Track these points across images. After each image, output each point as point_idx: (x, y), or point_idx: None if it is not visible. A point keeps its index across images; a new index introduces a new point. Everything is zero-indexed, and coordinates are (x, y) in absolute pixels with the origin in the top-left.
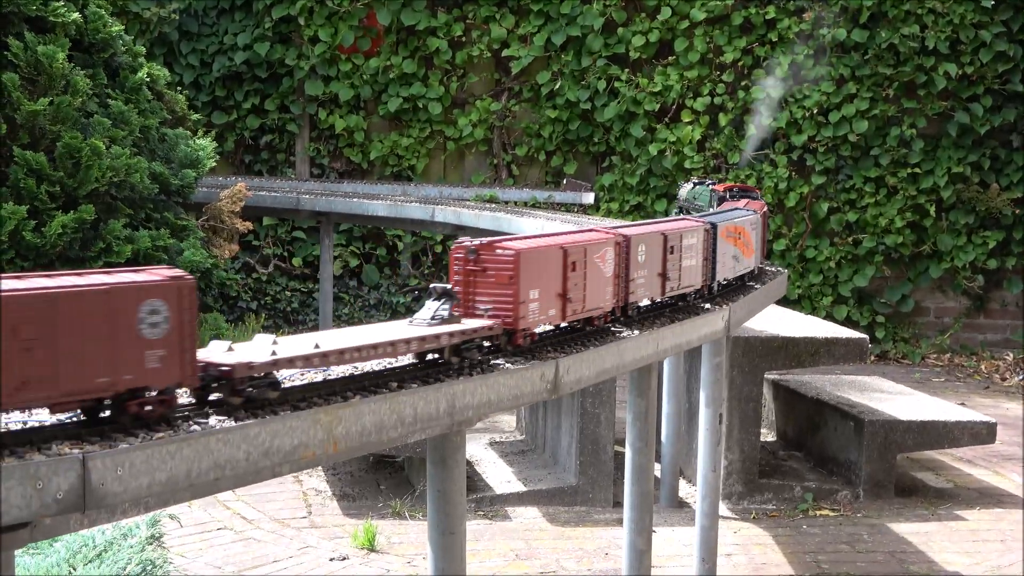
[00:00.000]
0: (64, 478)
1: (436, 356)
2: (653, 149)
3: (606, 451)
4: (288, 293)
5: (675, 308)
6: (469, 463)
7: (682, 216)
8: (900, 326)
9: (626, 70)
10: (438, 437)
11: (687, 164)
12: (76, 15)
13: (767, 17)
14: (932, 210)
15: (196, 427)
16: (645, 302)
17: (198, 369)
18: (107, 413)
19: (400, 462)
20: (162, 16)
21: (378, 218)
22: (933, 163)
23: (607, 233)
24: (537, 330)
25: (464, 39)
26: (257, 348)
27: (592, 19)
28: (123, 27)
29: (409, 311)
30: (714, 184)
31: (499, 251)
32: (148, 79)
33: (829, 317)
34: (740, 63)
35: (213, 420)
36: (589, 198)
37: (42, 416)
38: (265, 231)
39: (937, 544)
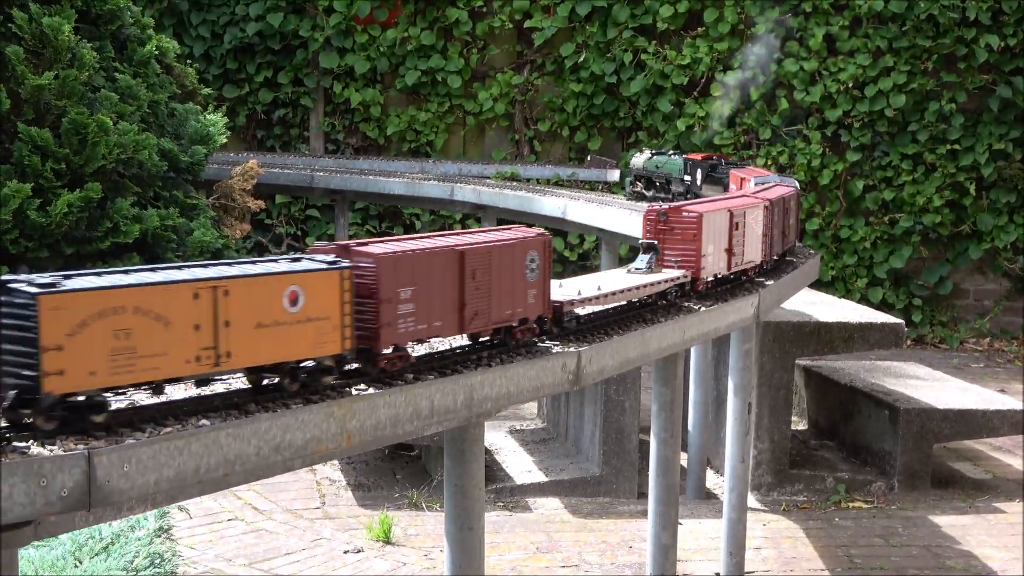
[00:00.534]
0: (69, 475)
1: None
2: (681, 124)
3: (631, 440)
4: None
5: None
6: (488, 452)
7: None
8: (938, 309)
9: (653, 42)
10: (456, 430)
11: (716, 140)
12: None
13: None
14: (972, 188)
15: (548, 343)
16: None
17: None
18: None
19: (417, 451)
20: None
21: (395, 196)
22: (973, 139)
23: (756, 199)
24: (708, 279)
25: (485, 9)
26: (570, 290)
27: None
28: None
29: None
30: (675, 154)
31: (685, 213)
32: (157, 52)
33: (864, 300)
34: (773, 34)
35: (547, 342)
36: (614, 175)
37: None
38: (278, 210)
39: (975, 538)
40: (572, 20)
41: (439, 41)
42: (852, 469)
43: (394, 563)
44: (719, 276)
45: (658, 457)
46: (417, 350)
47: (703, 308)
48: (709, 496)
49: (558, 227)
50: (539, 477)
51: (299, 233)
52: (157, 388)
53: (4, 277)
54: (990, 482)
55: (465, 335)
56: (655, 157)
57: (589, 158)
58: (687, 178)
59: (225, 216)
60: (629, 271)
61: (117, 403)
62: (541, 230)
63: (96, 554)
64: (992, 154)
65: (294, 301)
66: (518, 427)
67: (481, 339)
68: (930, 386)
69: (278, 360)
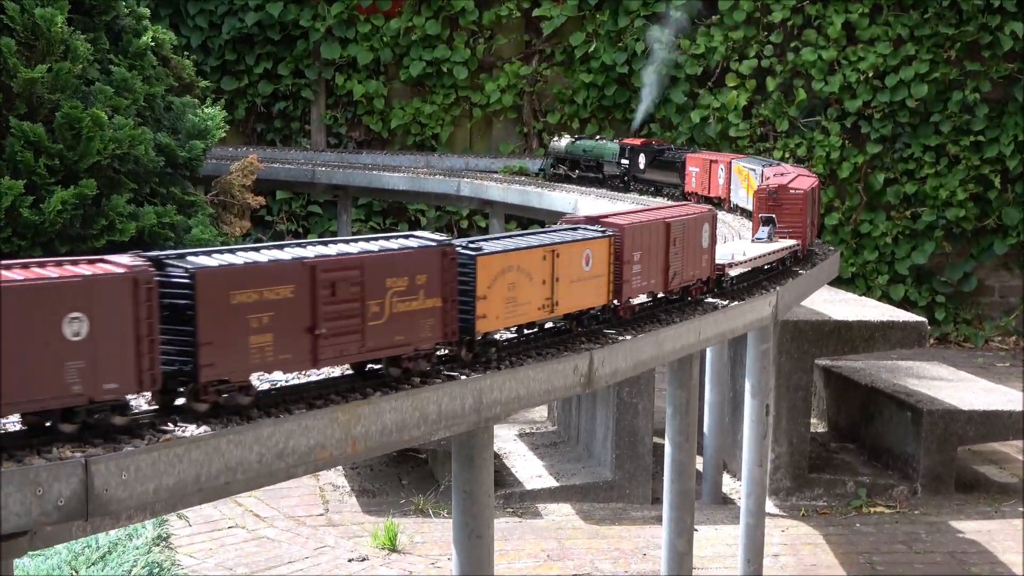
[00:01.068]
0: (66, 484)
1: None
2: (695, 116)
3: (644, 444)
4: None
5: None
6: (497, 457)
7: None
8: (962, 307)
9: (667, 31)
10: (464, 434)
11: (732, 132)
12: None
13: None
14: (997, 181)
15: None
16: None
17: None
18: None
19: (423, 455)
20: None
21: (399, 192)
22: (998, 130)
23: (803, 181)
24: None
25: None
26: (725, 256)
27: None
28: None
29: None
30: (600, 138)
31: (792, 191)
32: (153, 43)
33: (885, 297)
34: (790, 23)
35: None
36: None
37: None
38: (278, 206)
39: (1001, 544)
40: (582, 8)
41: (444, 31)
42: (873, 473)
43: (400, 571)
44: (807, 247)
45: (673, 461)
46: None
47: (719, 307)
48: (726, 501)
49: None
50: (550, 482)
51: (300, 230)
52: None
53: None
54: (1016, 486)
55: (663, 292)
56: (580, 141)
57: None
58: (624, 162)
59: (224, 213)
60: (753, 241)
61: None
62: (709, 207)
63: (93, 563)
64: (1017, 145)
65: (587, 261)
66: (528, 430)
67: (670, 296)
68: (954, 386)
69: (579, 308)
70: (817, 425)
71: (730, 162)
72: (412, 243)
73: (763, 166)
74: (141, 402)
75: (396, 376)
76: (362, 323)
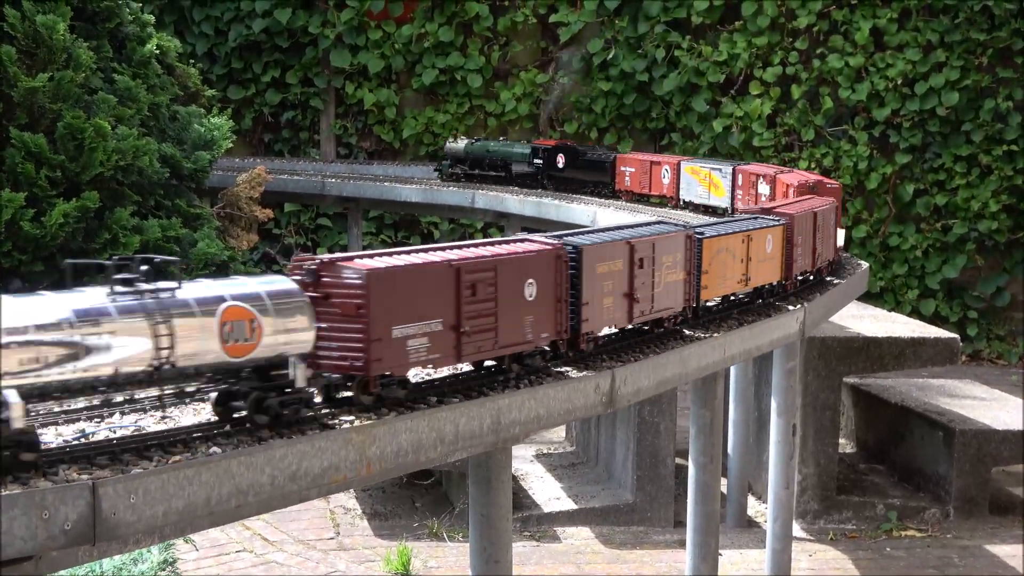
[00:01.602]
0: (72, 507)
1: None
2: (718, 125)
3: (666, 465)
4: None
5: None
6: (514, 478)
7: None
8: (995, 322)
9: (687, 37)
10: (481, 456)
11: (756, 142)
12: None
13: None
14: None
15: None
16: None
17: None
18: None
19: (437, 477)
20: None
21: (412, 204)
22: None
23: (826, 201)
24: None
25: (507, 3)
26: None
27: None
28: None
29: None
30: (504, 139)
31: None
32: (157, 51)
33: (915, 313)
34: (815, 28)
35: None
36: None
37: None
38: (287, 218)
39: None
40: (600, 14)
41: (458, 37)
42: (904, 495)
43: None
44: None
45: (697, 483)
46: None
47: (745, 324)
48: (751, 524)
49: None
50: (568, 504)
51: (309, 244)
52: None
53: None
54: None
55: (811, 271)
56: (482, 142)
57: None
58: (538, 161)
59: (231, 226)
60: None
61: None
62: (832, 199)
63: None
64: None
65: (769, 244)
66: (545, 451)
67: (813, 274)
68: (988, 405)
69: (763, 283)
70: (845, 445)
71: (678, 163)
72: (667, 227)
73: (732, 166)
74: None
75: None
76: (649, 289)
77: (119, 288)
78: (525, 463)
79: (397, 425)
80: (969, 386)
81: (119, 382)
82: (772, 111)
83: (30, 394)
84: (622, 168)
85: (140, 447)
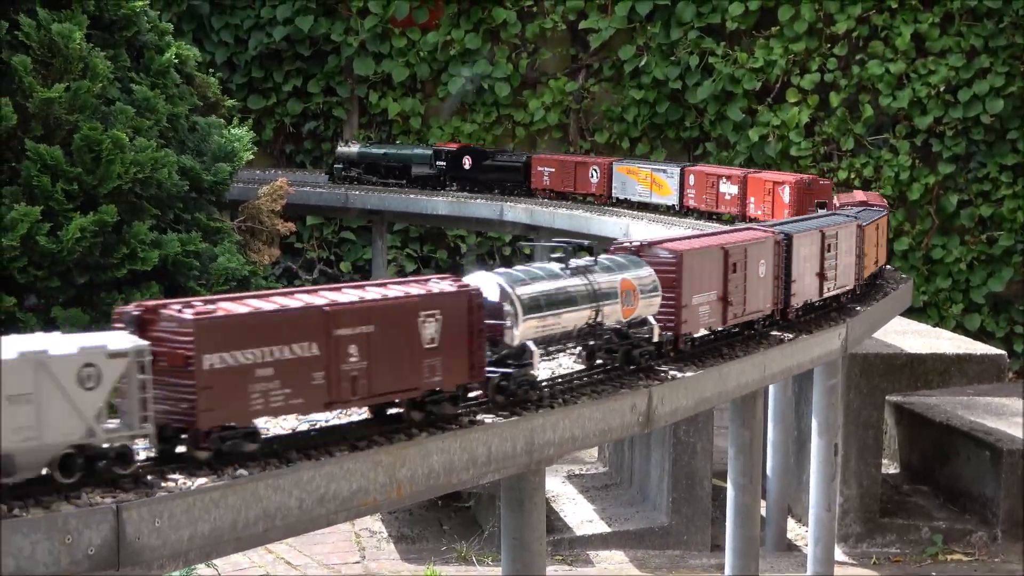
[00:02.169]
0: (96, 531)
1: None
2: (754, 134)
3: (703, 486)
4: None
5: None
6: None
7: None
8: None
9: (722, 43)
10: (514, 477)
11: (793, 151)
12: None
13: None
14: None
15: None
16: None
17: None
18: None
19: (466, 498)
20: None
21: (438, 217)
22: None
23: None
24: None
25: (535, 9)
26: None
27: None
28: (147, 1)
29: None
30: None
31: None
32: (176, 60)
33: (959, 328)
34: (855, 33)
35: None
36: None
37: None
38: (309, 232)
39: None
40: (632, 20)
41: (485, 45)
42: (950, 517)
43: None
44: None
45: (736, 505)
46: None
47: (786, 340)
48: (791, 548)
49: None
50: (601, 527)
51: (332, 258)
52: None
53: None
54: None
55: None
56: (375, 145)
57: None
58: (441, 163)
59: (252, 240)
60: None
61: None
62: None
63: None
64: None
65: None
66: (577, 472)
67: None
68: None
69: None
70: (888, 466)
71: (610, 163)
72: (757, 234)
73: (680, 167)
74: None
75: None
76: (834, 269)
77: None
78: (556, 484)
79: (428, 446)
80: (1017, 404)
81: (572, 336)
82: (810, 119)
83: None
84: (539, 168)
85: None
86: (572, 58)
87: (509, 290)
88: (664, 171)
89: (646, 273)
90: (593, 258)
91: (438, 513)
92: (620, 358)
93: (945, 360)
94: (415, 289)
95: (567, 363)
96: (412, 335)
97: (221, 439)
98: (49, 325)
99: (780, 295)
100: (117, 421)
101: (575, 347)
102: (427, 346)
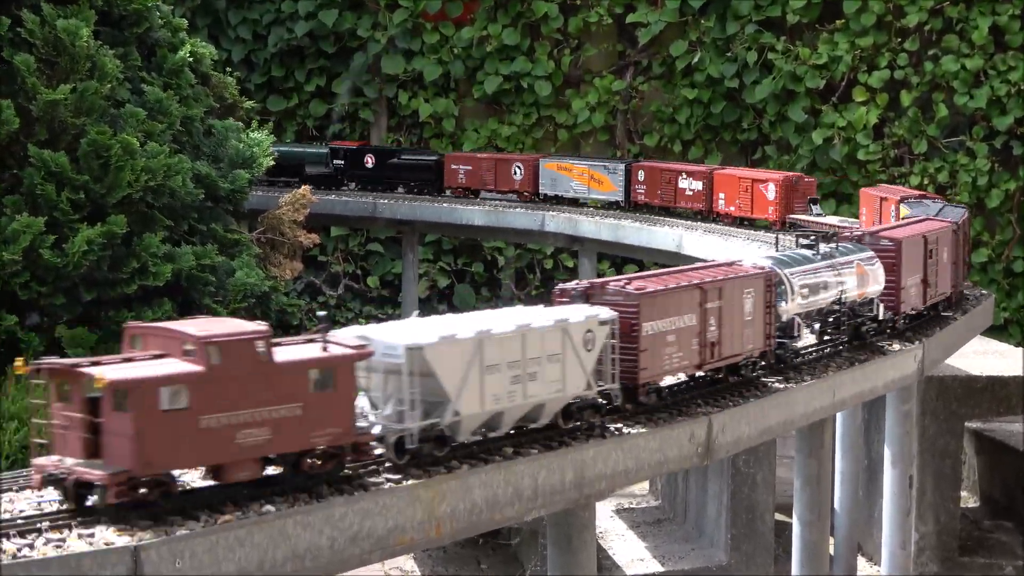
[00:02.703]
0: (112, 572)
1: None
2: (818, 137)
3: (764, 520)
4: (362, 321)
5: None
6: None
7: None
8: None
9: (783, 38)
10: (561, 513)
11: (861, 155)
12: None
13: None
14: None
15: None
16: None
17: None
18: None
19: (507, 535)
20: None
21: (474, 227)
22: None
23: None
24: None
25: (579, 2)
26: None
27: None
28: None
29: None
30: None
31: None
32: (191, 59)
33: None
34: (927, 27)
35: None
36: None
37: None
38: (333, 244)
39: None
40: (684, 13)
41: (524, 40)
42: None
43: None
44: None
45: (802, 541)
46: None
47: (856, 363)
48: None
49: (669, 261)
50: (653, 566)
51: (359, 272)
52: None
53: None
54: None
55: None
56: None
57: None
58: (338, 162)
59: (272, 253)
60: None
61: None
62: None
63: None
64: None
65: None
66: (627, 505)
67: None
68: None
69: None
70: (968, 499)
71: (536, 161)
72: (939, 224)
73: (625, 163)
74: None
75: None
76: (935, 276)
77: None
78: (604, 519)
79: (470, 480)
80: None
81: (822, 313)
82: (879, 120)
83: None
84: (453, 166)
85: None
86: (619, 54)
87: (782, 272)
88: (605, 167)
89: (872, 258)
90: (834, 244)
91: (476, 551)
92: (848, 333)
93: None
94: (733, 271)
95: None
96: (740, 309)
97: (657, 392)
98: (52, 345)
99: (958, 279)
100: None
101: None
102: (746, 318)
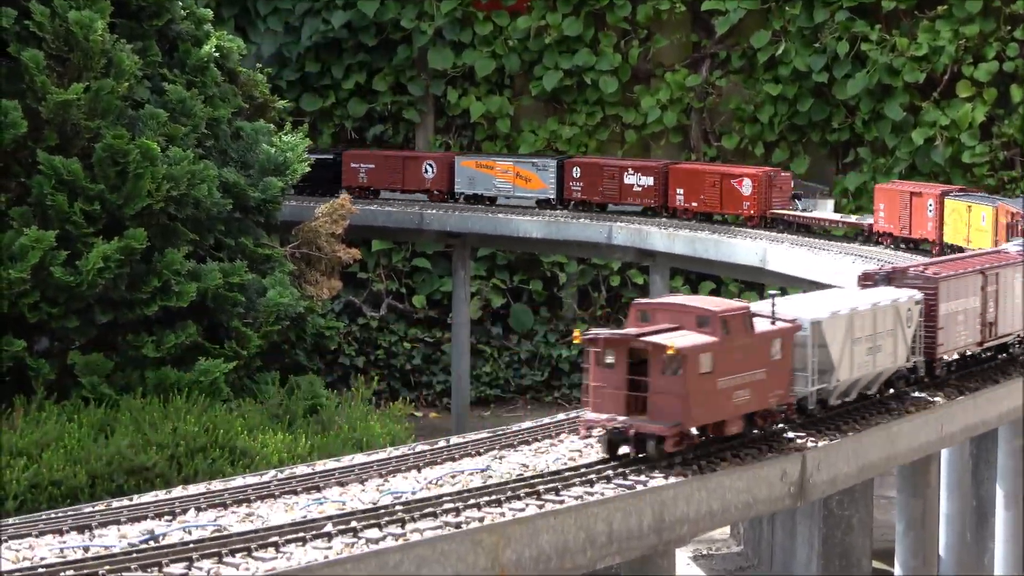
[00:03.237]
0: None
1: None
2: (918, 137)
3: (861, 567)
4: (407, 345)
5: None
6: None
7: None
8: None
9: (877, 26)
10: (638, 560)
11: (966, 157)
12: None
13: None
14: None
15: None
16: None
17: None
18: None
19: None
20: None
21: (532, 240)
22: None
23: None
24: None
25: None
26: None
27: None
28: None
29: (577, 368)
30: None
31: None
32: (216, 54)
33: None
34: None
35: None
36: (827, 207)
37: None
38: (375, 260)
39: None
40: (766, 0)
41: (588, 31)
42: None
43: None
44: None
45: None
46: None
47: (964, 395)
48: None
49: (751, 278)
50: None
51: (403, 291)
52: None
53: None
54: None
55: None
56: None
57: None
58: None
59: (308, 270)
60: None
61: None
62: None
63: None
64: None
65: None
66: (705, 552)
67: None
68: None
69: None
70: None
71: (451, 160)
72: None
73: (557, 160)
74: None
75: None
76: None
77: None
78: (680, 566)
79: (537, 523)
80: None
81: None
82: (986, 118)
83: None
84: (353, 164)
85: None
86: (694, 46)
87: None
88: (533, 163)
89: None
90: None
91: None
92: None
93: None
94: (1005, 258)
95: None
96: (1012, 292)
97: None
98: (64, 373)
99: None
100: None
101: None
102: (1016, 300)
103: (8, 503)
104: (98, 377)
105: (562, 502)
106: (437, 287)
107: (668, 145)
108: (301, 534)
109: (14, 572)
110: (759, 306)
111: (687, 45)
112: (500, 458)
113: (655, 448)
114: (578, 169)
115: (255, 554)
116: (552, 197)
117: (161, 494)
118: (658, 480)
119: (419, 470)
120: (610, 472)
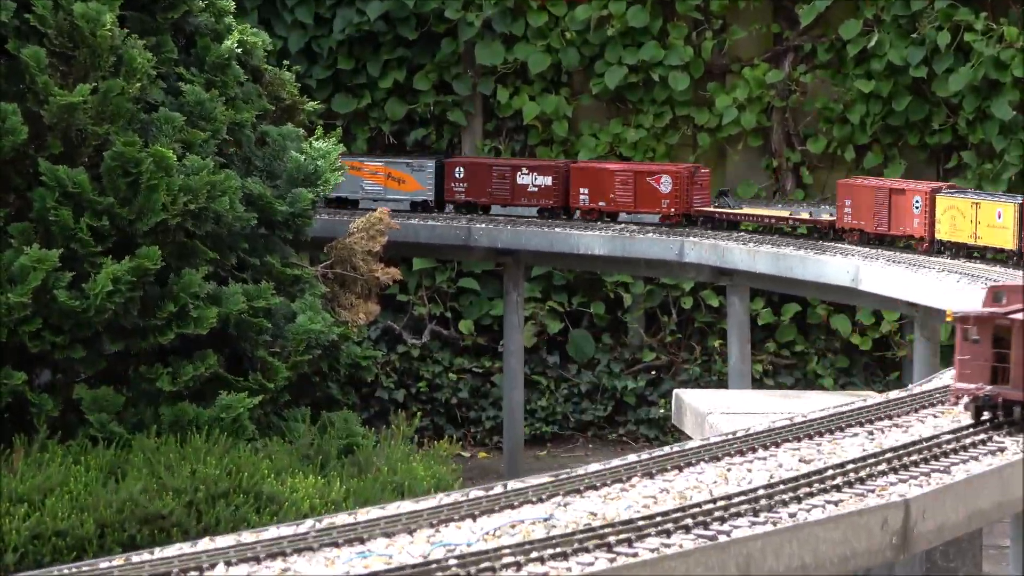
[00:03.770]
0: None
1: None
2: None
3: None
4: (453, 376)
5: None
6: None
7: None
8: None
9: (983, 14)
10: None
11: None
12: None
13: None
14: None
15: None
16: None
17: None
18: None
19: None
20: None
21: (593, 257)
22: None
23: None
24: None
25: None
26: None
27: None
28: None
29: (645, 401)
30: None
31: None
32: (239, 50)
33: None
34: None
35: None
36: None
37: None
38: (417, 280)
39: None
40: None
41: (655, 22)
42: None
43: None
44: None
45: None
46: None
47: None
48: None
49: (842, 300)
50: None
51: (448, 315)
52: None
53: None
54: None
55: None
56: None
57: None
58: None
59: (342, 292)
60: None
61: None
62: None
63: None
64: None
65: None
66: None
67: None
68: None
69: None
70: None
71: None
72: None
73: (436, 159)
74: None
75: None
76: None
77: None
78: None
79: None
80: None
81: None
82: None
83: None
84: None
85: None
86: (775, 38)
87: None
88: (406, 164)
89: None
90: None
91: None
92: None
93: None
94: None
95: None
96: None
97: None
98: (69, 409)
99: None
100: None
101: None
102: None
103: (7, 556)
104: (107, 414)
105: (636, 555)
106: (486, 311)
107: (746, 149)
108: None
109: None
110: None
111: (767, 37)
112: (564, 505)
113: (1022, 413)
114: (461, 169)
115: None
116: (430, 199)
117: (186, 547)
118: (743, 531)
119: (474, 519)
120: (689, 521)
